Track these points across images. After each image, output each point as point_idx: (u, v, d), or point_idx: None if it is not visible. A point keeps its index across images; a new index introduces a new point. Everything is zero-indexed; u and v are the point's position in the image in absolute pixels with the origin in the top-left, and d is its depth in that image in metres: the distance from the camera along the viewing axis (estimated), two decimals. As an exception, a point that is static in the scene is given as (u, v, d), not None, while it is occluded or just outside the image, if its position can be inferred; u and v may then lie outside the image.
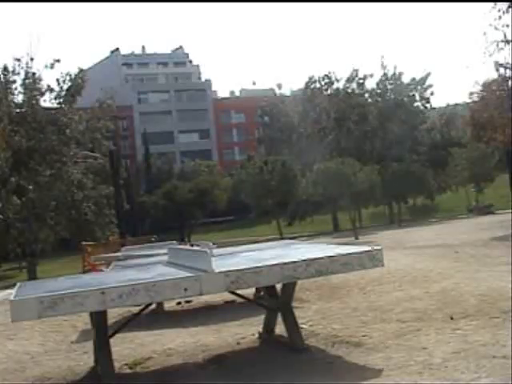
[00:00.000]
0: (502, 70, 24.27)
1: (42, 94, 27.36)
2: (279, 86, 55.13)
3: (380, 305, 7.07)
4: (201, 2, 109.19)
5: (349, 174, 28.39)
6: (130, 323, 5.60)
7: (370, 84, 46.06)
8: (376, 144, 43.15)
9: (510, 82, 24.56)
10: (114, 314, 7.38)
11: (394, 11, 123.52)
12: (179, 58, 79.91)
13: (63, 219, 27.32)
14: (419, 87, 46.27)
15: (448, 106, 56.06)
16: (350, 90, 44.88)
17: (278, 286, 5.73)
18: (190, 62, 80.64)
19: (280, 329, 5.79)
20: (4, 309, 8.32)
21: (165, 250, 7.41)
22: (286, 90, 57.42)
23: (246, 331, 6.42)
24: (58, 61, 27.25)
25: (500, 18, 20.44)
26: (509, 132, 24.19)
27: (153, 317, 7.64)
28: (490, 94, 25.96)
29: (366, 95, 45.74)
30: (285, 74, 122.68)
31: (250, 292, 7.04)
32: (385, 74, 45.63)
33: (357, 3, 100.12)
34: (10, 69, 26.64)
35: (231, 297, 7.34)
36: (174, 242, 12.31)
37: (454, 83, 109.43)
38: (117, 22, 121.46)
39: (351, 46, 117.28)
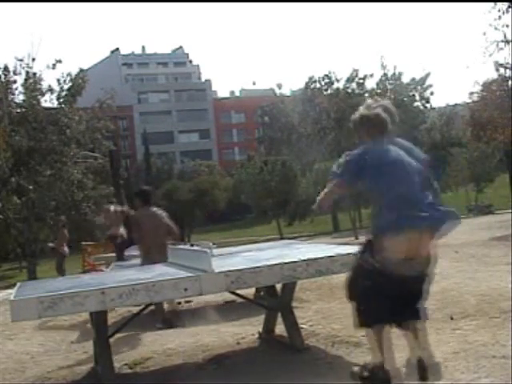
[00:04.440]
0: (502, 70, 24.28)
1: (43, 94, 27.34)
2: (279, 86, 55.20)
3: (380, 305, 7.06)
4: (201, 2, 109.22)
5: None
6: (129, 323, 5.60)
7: (370, 84, 46.12)
8: (376, 144, 43.16)
9: (510, 82, 24.56)
10: (114, 314, 7.38)
11: (394, 11, 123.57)
12: (179, 58, 79.93)
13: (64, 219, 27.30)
14: (419, 87, 46.31)
15: (448, 106, 56.10)
16: (349, 90, 44.88)
17: (278, 286, 5.74)
18: (190, 61, 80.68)
19: (280, 329, 5.80)
20: (4, 309, 8.34)
21: (165, 250, 7.41)
22: (286, 90, 57.52)
23: (245, 331, 6.42)
24: (60, 61, 27.24)
25: (500, 18, 20.42)
26: (509, 132, 24.19)
27: (153, 317, 7.64)
28: (490, 94, 25.94)
29: (366, 95, 45.73)
30: (285, 74, 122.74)
31: (250, 292, 7.04)
32: (385, 74, 45.66)
33: (357, 3, 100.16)
34: (11, 69, 26.64)
35: (231, 297, 7.34)
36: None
37: (454, 83, 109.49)
38: (117, 21, 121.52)
39: (351, 45, 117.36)
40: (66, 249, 15.09)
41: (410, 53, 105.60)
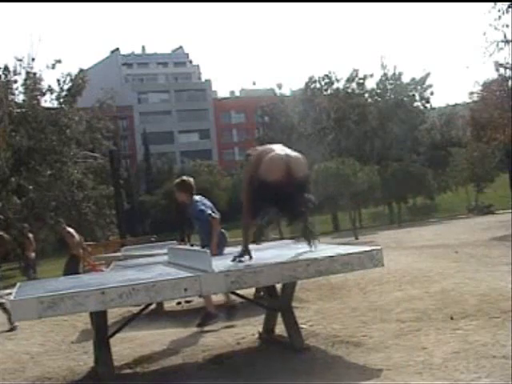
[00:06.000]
0: (502, 70, 24.31)
1: (43, 95, 27.36)
2: (279, 86, 54.97)
3: (380, 305, 7.07)
4: (201, 2, 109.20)
5: (349, 174, 28.38)
6: (129, 323, 5.60)
7: (370, 84, 46.10)
8: (376, 144, 43.11)
9: (510, 82, 24.59)
10: (114, 314, 7.38)
11: (394, 11, 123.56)
12: (179, 58, 79.90)
13: (63, 219, 27.33)
14: (419, 87, 46.26)
15: (448, 106, 56.05)
16: (350, 90, 44.86)
17: (278, 286, 5.74)
18: (190, 62, 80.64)
19: (280, 329, 5.80)
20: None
21: (165, 250, 7.42)
22: (286, 90, 57.35)
23: (245, 331, 6.43)
24: (59, 61, 27.27)
25: (500, 18, 20.46)
26: (509, 132, 24.21)
27: (153, 317, 7.64)
28: (490, 94, 25.97)
29: (366, 95, 45.72)
30: (285, 74, 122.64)
31: (250, 292, 7.04)
32: (385, 74, 45.63)
33: (357, 3, 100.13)
34: (11, 69, 26.65)
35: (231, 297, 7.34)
36: (174, 242, 12.32)
37: (454, 83, 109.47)
38: (117, 21, 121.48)
39: (351, 45, 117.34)
40: (32, 255, 16.24)
41: (410, 53, 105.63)
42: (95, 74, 48.65)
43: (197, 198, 7.37)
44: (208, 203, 7.42)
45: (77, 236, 13.03)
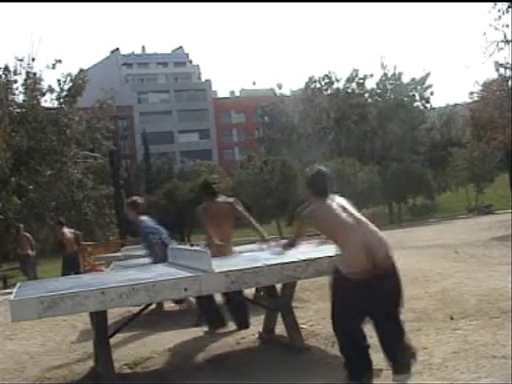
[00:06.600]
0: (502, 70, 24.31)
1: (43, 95, 27.34)
2: (279, 86, 55.03)
3: (380, 305, 7.05)
4: (201, 2, 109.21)
5: (349, 174, 28.42)
6: (129, 323, 5.60)
7: (370, 84, 46.17)
8: (376, 144, 43.13)
9: (510, 82, 24.58)
10: (114, 314, 7.38)
11: (394, 11, 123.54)
12: (179, 58, 79.89)
13: (64, 219, 27.33)
14: (419, 87, 46.31)
15: (448, 106, 56.06)
16: (350, 90, 44.93)
17: (278, 286, 5.74)
18: (190, 62, 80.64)
19: (280, 329, 5.79)
20: (4, 309, 8.34)
21: (165, 250, 7.41)
22: (286, 90, 57.37)
23: (245, 331, 6.43)
24: (60, 61, 27.26)
25: (500, 17, 20.46)
26: (509, 132, 24.20)
27: (153, 317, 7.64)
28: (490, 94, 25.96)
29: (366, 95, 45.79)
30: (285, 74, 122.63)
31: (250, 292, 7.05)
32: (385, 74, 45.67)
33: (357, 3, 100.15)
34: (12, 69, 26.63)
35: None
36: (174, 242, 12.32)
37: (454, 83, 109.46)
38: (117, 21, 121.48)
39: (351, 45, 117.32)
40: (30, 252, 16.15)
41: (410, 53, 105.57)
42: (95, 74, 48.61)
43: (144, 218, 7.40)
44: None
45: (69, 234, 13.28)
